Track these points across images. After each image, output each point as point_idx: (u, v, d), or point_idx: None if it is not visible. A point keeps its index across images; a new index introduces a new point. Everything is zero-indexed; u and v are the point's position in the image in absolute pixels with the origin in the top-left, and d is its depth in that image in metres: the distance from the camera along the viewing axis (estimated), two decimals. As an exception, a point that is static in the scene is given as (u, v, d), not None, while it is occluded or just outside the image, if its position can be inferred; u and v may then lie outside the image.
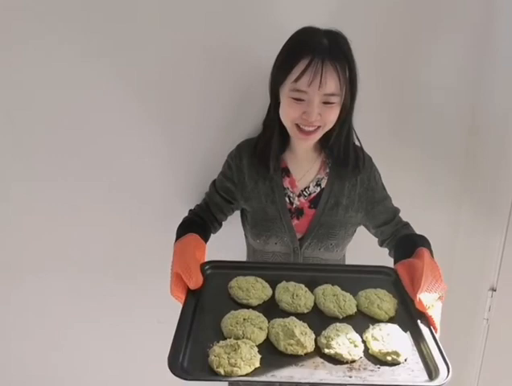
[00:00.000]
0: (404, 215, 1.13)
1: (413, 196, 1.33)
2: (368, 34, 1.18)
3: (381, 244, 1.14)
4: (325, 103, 0.94)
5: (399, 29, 1.21)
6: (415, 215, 1.12)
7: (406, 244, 1.03)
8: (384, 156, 1.15)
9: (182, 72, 1.19)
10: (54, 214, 1.32)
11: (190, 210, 1.18)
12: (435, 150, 1.34)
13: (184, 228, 1.07)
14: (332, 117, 0.97)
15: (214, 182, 1.18)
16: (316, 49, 0.91)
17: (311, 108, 0.93)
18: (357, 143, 1.10)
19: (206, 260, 1.02)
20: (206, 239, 1.09)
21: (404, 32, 1.22)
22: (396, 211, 1.13)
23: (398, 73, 1.26)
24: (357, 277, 1.01)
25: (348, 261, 1.21)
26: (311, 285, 0.96)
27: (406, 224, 1.12)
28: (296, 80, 0.92)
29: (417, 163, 1.35)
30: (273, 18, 1.13)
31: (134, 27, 1.15)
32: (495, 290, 1.32)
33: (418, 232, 1.09)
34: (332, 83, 0.92)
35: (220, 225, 1.20)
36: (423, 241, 1.01)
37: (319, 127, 0.98)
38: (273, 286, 0.96)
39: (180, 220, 1.13)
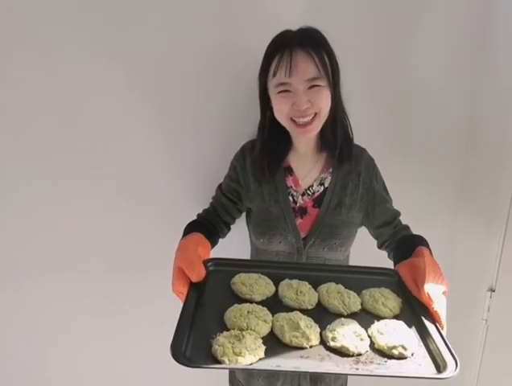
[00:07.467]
0: (403, 217, 1.13)
1: (412, 198, 1.33)
2: (365, 34, 1.22)
3: (380, 246, 1.15)
4: (311, 88, 0.96)
5: (396, 29, 1.24)
6: (414, 217, 1.12)
7: (405, 244, 1.04)
8: (383, 157, 1.15)
9: (187, 74, 1.23)
10: (55, 215, 1.31)
11: (198, 214, 1.18)
12: (433, 152, 1.36)
13: (189, 229, 1.07)
14: (322, 100, 0.97)
15: (220, 185, 1.19)
16: (285, 44, 0.96)
17: (298, 97, 0.96)
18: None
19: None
20: (211, 240, 1.08)
21: (401, 32, 1.25)
22: (396, 213, 1.13)
23: (393, 74, 1.28)
24: (360, 278, 1.00)
25: (351, 262, 1.20)
26: (315, 285, 0.95)
27: (406, 227, 1.12)
28: (274, 74, 0.97)
29: (416, 164, 1.36)
30: (274, 19, 1.15)
31: (137, 32, 1.18)
32: (494, 291, 1.32)
33: (416, 232, 1.09)
34: (309, 67, 0.95)
35: (229, 229, 1.20)
36: (421, 241, 1.02)
37: (315, 116, 0.99)
38: (276, 284, 0.95)
39: (184, 222, 1.12)
